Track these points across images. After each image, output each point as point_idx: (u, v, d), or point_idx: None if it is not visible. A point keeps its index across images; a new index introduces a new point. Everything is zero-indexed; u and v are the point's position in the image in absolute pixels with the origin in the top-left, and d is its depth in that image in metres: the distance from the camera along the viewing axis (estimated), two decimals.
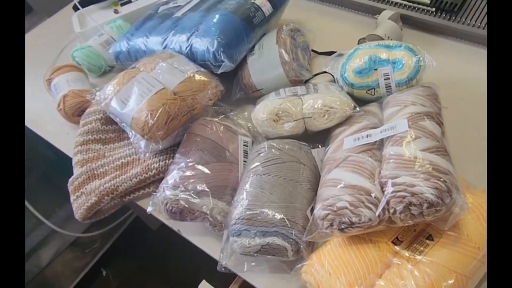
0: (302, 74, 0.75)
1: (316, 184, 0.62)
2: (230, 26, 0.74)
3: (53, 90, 0.90)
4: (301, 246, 0.55)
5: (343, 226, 0.50)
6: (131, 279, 1.72)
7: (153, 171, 0.71)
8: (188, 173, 0.63)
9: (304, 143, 0.66)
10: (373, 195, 0.49)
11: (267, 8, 0.78)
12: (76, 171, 0.75)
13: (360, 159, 0.54)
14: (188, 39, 0.77)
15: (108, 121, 0.82)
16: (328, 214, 0.51)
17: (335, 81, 0.78)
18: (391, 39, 0.80)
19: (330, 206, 0.51)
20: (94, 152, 0.78)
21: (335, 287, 0.49)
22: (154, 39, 0.83)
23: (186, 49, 0.77)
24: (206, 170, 0.64)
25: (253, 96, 0.80)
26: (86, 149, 0.78)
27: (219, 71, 0.73)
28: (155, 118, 0.66)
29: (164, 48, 0.81)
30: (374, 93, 0.67)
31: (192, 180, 0.62)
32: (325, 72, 0.79)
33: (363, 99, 0.68)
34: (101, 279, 1.73)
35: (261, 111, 0.65)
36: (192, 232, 0.66)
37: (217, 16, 0.76)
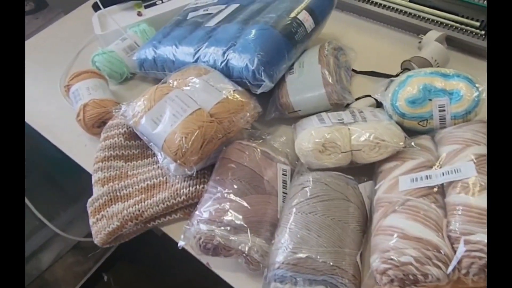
0: (345, 98, 0.71)
1: (364, 224, 0.57)
2: (271, 42, 0.69)
3: (71, 98, 0.84)
4: None
5: (406, 284, 0.45)
6: (133, 285, 1.67)
7: (182, 197, 0.66)
8: (224, 205, 0.58)
9: (350, 177, 0.61)
10: (442, 251, 0.44)
11: (309, 23, 0.73)
12: (97, 190, 0.70)
13: (422, 206, 0.50)
14: (224, 53, 0.72)
15: (132, 136, 0.77)
16: (389, 268, 0.46)
17: (378, 106, 0.73)
18: (437, 63, 0.76)
19: (391, 259, 0.46)
20: (116, 170, 0.73)
21: None
22: (184, 49, 0.78)
23: (221, 64, 0.72)
24: (244, 203, 0.59)
25: (288, 117, 0.75)
26: (107, 166, 0.73)
27: (259, 92, 0.68)
28: (190, 143, 0.61)
29: (196, 60, 0.76)
30: (426, 124, 0.62)
31: (229, 214, 0.57)
32: (368, 96, 0.74)
33: (413, 130, 0.64)
34: (103, 285, 1.68)
35: (306, 141, 0.61)
36: (222, 267, 0.62)
37: (256, 30, 0.71)
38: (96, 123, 0.81)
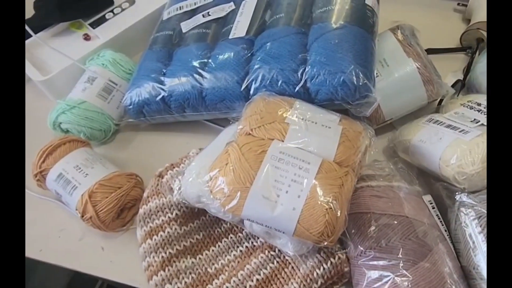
0: (443, 90, 0.59)
1: None
2: (359, 45, 0.53)
3: (54, 189, 0.56)
4: None
5: None
6: None
7: (319, 282, 0.49)
8: (415, 279, 0.44)
9: None
10: None
11: (376, 7, 0.59)
12: None
13: None
14: (294, 72, 0.53)
15: (189, 216, 0.55)
16: None
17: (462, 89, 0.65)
18: None
19: None
20: (191, 273, 0.52)
21: None
22: (218, 76, 0.58)
23: (294, 87, 0.53)
24: (432, 266, 0.45)
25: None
26: (175, 272, 0.52)
27: (369, 112, 0.52)
28: (339, 212, 0.43)
29: (246, 90, 0.56)
30: None
31: None
32: (460, 81, 0.64)
33: None
34: None
35: (470, 162, 0.48)
36: None
37: (329, 32, 0.54)
38: (116, 215, 0.55)
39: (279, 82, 0.54)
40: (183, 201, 0.50)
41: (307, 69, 0.52)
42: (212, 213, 0.48)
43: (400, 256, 0.46)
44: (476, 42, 0.68)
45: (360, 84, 0.51)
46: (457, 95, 0.66)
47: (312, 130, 0.48)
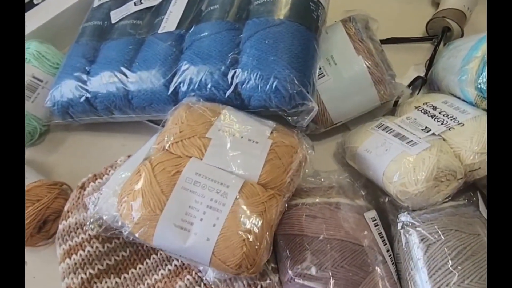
0: (397, 90, 0.54)
1: None
2: (297, 45, 0.48)
3: None
4: None
5: None
6: None
7: None
8: None
9: (463, 202, 0.48)
10: None
11: None
12: None
13: None
14: (224, 75, 0.48)
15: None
16: None
17: (423, 85, 0.60)
18: (470, 10, 0.63)
19: None
20: None
21: None
22: (143, 75, 0.52)
23: (224, 93, 0.48)
24: None
25: (318, 133, 0.57)
26: None
27: (306, 122, 0.48)
28: (258, 243, 0.39)
29: (176, 94, 0.50)
30: None
31: None
32: (420, 78, 0.59)
33: None
34: None
35: (413, 181, 0.44)
36: None
37: (264, 30, 0.48)
38: (35, 228, 0.52)
39: (208, 87, 0.48)
40: (98, 221, 0.46)
41: (237, 73, 0.47)
42: (125, 237, 0.44)
43: (331, 286, 0.42)
44: (441, 31, 0.62)
45: (295, 91, 0.45)
46: (418, 93, 0.61)
47: (236, 146, 0.43)
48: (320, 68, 0.53)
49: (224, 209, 0.40)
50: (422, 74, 0.61)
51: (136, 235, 0.41)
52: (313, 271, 0.43)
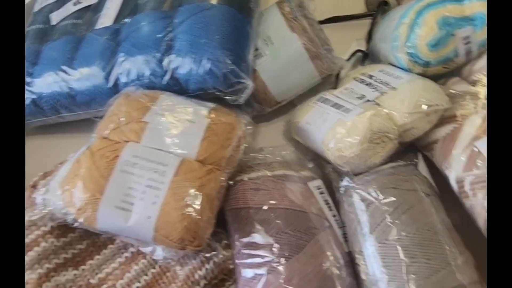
0: (336, 64, 0.56)
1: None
2: (228, 26, 0.49)
3: None
4: None
5: None
6: None
7: (201, 283, 0.47)
8: (288, 275, 0.42)
9: (402, 162, 0.50)
10: None
11: None
12: None
13: None
14: (160, 62, 0.49)
15: (67, 227, 0.51)
16: None
17: (366, 59, 0.62)
18: None
19: None
20: (72, 287, 0.49)
21: None
22: (83, 72, 0.53)
23: (162, 79, 0.50)
24: (310, 258, 0.43)
25: (265, 113, 0.59)
26: (54, 287, 0.49)
27: (242, 100, 0.49)
28: (199, 217, 0.41)
29: (114, 85, 0.52)
30: (451, 65, 0.53)
31: (302, 285, 0.42)
32: (360, 51, 0.61)
33: (435, 76, 0.54)
34: None
35: (348, 145, 0.46)
36: None
37: (195, 15, 0.50)
38: None
39: (146, 75, 0.50)
40: (47, 214, 0.47)
41: (172, 59, 0.49)
42: (71, 224, 0.45)
43: (274, 251, 0.44)
44: (377, 6, 0.65)
45: (228, 70, 0.47)
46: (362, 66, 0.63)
47: (173, 127, 0.45)
48: (258, 49, 0.55)
49: (163, 187, 0.42)
50: (364, 49, 0.63)
51: (80, 220, 0.42)
52: (258, 239, 0.45)
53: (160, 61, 0.49)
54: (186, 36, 0.49)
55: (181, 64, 0.48)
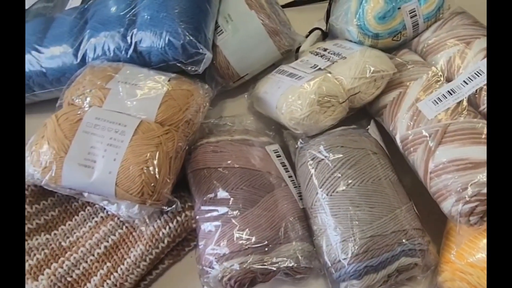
0: (295, 40, 0.61)
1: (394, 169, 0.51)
2: (188, 2, 0.54)
3: None
4: (427, 250, 0.46)
5: None
6: None
7: (166, 241, 0.51)
8: (241, 227, 0.46)
9: (354, 127, 0.54)
10: None
11: None
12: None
13: (468, 125, 0.46)
14: (124, 36, 0.54)
15: (38, 194, 0.56)
16: (477, 206, 0.41)
17: (324, 38, 0.66)
18: None
19: (475, 196, 0.41)
20: (44, 249, 0.52)
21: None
22: (54, 50, 0.57)
23: (127, 52, 0.54)
24: (262, 213, 0.47)
25: (232, 87, 0.63)
26: (26, 250, 0.52)
27: (201, 69, 0.54)
28: (157, 171, 0.45)
29: (83, 60, 0.56)
30: (400, 37, 0.58)
31: (252, 236, 0.46)
32: (318, 29, 0.65)
33: (386, 49, 0.58)
34: None
35: (298, 107, 0.50)
36: None
37: None
38: None
39: (111, 49, 0.54)
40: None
41: (135, 32, 0.53)
42: (40, 184, 0.48)
43: (230, 205, 0.48)
44: None
45: (186, 42, 0.52)
46: None
47: (134, 93, 0.49)
48: (219, 26, 0.59)
49: (123, 145, 0.46)
50: (324, 28, 0.68)
51: (46, 178, 0.46)
52: (215, 195, 0.49)
53: (124, 36, 0.54)
54: (147, 11, 0.53)
55: (143, 38, 0.53)
